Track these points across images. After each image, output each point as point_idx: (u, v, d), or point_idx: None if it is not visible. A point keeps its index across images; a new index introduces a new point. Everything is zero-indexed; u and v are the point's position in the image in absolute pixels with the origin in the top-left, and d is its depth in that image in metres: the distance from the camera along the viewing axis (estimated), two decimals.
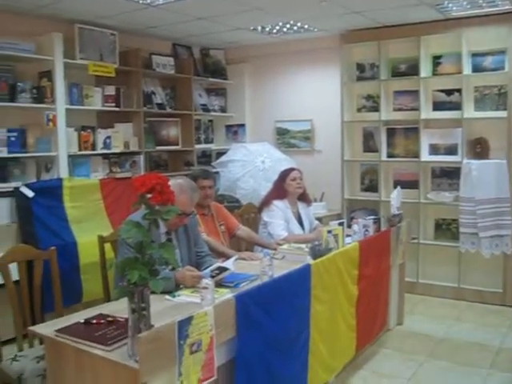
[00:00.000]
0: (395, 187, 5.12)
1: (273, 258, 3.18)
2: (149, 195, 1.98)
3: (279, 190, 4.79)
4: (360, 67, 6.50)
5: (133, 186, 1.99)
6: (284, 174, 4.83)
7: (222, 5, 5.06)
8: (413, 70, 6.06)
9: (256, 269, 3.29)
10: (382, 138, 6.30)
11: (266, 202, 4.77)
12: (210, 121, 7.49)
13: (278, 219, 4.62)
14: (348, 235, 4.19)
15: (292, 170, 4.86)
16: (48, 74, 5.24)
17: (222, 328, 2.47)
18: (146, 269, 1.96)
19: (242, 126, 7.46)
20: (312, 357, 3.31)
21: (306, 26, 6.11)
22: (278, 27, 6.18)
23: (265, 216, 4.71)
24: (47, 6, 4.95)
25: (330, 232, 3.72)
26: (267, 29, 6.25)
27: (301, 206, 4.87)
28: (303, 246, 4.05)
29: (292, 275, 3.16)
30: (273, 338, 2.91)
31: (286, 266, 3.40)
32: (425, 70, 5.98)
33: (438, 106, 6.03)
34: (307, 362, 3.27)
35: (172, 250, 2.04)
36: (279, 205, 4.68)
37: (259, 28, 6.20)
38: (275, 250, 4.07)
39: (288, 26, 6.10)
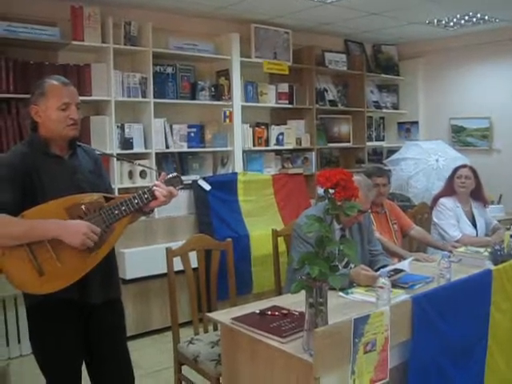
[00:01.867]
0: None
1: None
2: (332, 190, 1.97)
3: (448, 187, 4.57)
4: None
5: (317, 180, 1.98)
6: (454, 171, 4.59)
7: None
8: None
9: (429, 271, 3.15)
10: None
11: (433, 201, 4.59)
12: (382, 118, 7.35)
13: (449, 219, 4.39)
14: None
15: (462, 166, 4.58)
16: (225, 73, 5.48)
17: (396, 329, 2.38)
18: (326, 264, 1.95)
19: (415, 123, 7.23)
20: (488, 369, 3.09)
21: (486, 17, 5.77)
22: (454, 20, 5.90)
23: (434, 216, 4.53)
24: (226, 8, 5.16)
25: None
26: (443, 22, 5.99)
27: (474, 204, 4.57)
28: (481, 249, 3.82)
29: (471, 280, 2.97)
30: (448, 344, 2.77)
31: (463, 270, 3.23)
32: None
33: None
34: (483, 374, 3.06)
35: (353, 246, 2.00)
36: (447, 203, 4.45)
37: (435, 21, 5.96)
38: (450, 252, 3.88)
39: (466, 18, 5.80)
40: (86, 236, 2.22)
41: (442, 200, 4.48)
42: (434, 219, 4.50)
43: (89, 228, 2.24)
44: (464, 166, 4.58)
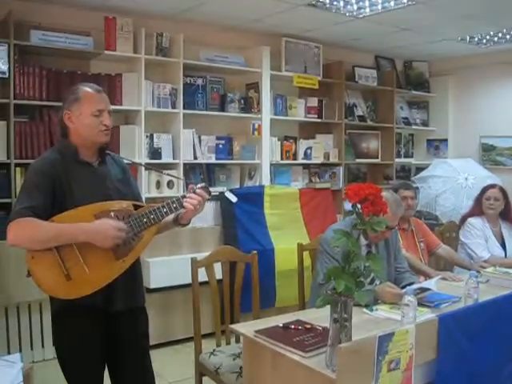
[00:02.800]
0: None
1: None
2: (360, 205, 1.95)
3: (476, 206, 4.53)
4: None
5: (346, 194, 1.97)
6: (482, 191, 4.54)
7: (430, 14, 4.89)
8: None
9: (456, 290, 3.11)
10: None
11: (462, 221, 4.56)
12: (411, 134, 7.29)
13: (477, 238, 4.35)
14: None
15: (491, 186, 4.52)
16: (255, 86, 5.50)
17: (421, 348, 2.34)
18: (353, 279, 1.93)
19: (445, 140, 7.14)
20: None
21: None
22: (488, 37, 5.83)
23: (461, 235, 4.48)
24: (257, 21, 5.19)
25: None
26: (475, 39, 5.92)
27: (504, 225, 4.51)
28: (510, 270, 3.75)
29: (499, 301, 2.92)
30: (473, 366, 2.71)
31: (491, 291, 3.17)
32: None
33: None
34: None
35: (380, 262, 1.98)
36: (475, 223, 4.41)
37: (467, 38, 5.90)
38: (478, 272, 3.81)
39: (500, 35, 5.73)
40: (114, 237, 2.26)
41: (471, 220, 4.44)
42: (462, 239, 4.46)
43: (116, 227, 2.27)
44: (493, 187, 4.52)
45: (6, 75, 4.13)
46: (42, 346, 4.34)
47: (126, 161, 2.74)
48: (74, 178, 2.35)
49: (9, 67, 4.13)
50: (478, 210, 4.49)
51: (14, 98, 4.19)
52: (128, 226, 2.33)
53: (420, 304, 2.90)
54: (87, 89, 2.41)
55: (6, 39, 4.12)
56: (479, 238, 4.35)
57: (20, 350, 4.13)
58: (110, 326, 2.46)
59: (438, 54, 6.75)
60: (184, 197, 2.43)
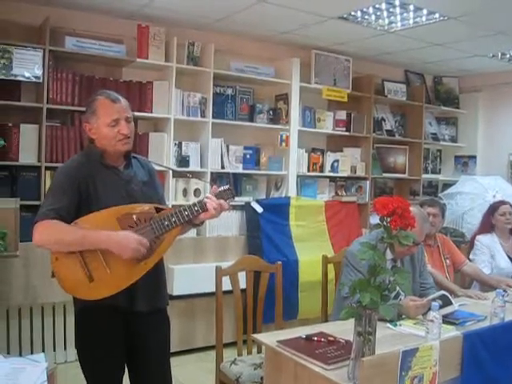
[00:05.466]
0: None
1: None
2: (389, 218, 1.94)
3: (486, 224, 4.58)
4: None
5: (374, 207, 1.96)
6: (493, 208, 4.58)
7: (462, 29, 4.86)
8: None
9: (481, 309, 3.09)
10: None
11: (472, 239, 4.62)
12: (439, 150, 7.22)
13: (481, 255, 4.41)
14: None
15: (502, 203, 4.60)
16: (284, 97, 5.51)
17: (444, 365, 2.32)
18: (378, 293, 1.92)
19: (473, 157, 7.05)
20: None
21: None
22: None
23: (471, 254, 4.52)
24: (288, 33, 5.21)
25: None
26: (507, 55, 5.87)
27: None
28: None
29: None
30: None
31: None
32: None
33: None
34: None
35: (406, 276, 1.97)
36: (483, 240, 4.47)
37: (499, 55, 5.85)
38: (505, 291, 3.75)
39: None
40: (134, 250, 2.27)
41: (479, 237, 4.52)
42: (470, 256, 4.51)
43: (138, 242, 2.28)
44: (504, 203, 4.61)
45: (41, 80, 4.21)
46: (65, 347, 4.39)
47: (153, 164, 2.77)
48: (99, 181, 2.40)
49: (43, 72, 4.20)
50: (487, 227, 4.56)
51: (47, 103, 4.27)
52: (149, 229, 2.36)
53: (445, 321, 2.87)
54: (102, 99, 2.43)
55: (42, 45, 4.21)
56: (483, 254, 4.41)
57: (43, 351, 4.18)
58: (132, 326, 2.48)
59: (469, 70, 6.69)
60: (204, 199, 2.46)
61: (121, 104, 2.45)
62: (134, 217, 2.36)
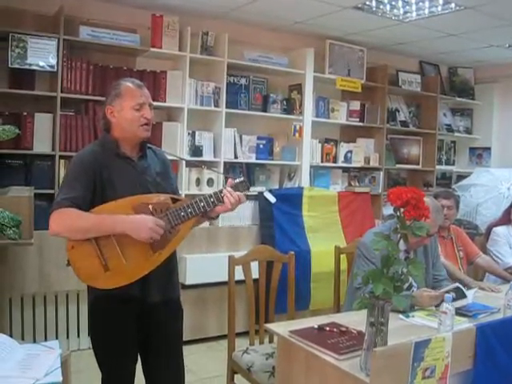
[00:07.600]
0: None
1: None
2: (402, 209, 1.93)
3: (504, 215, 4.59)
4: None
5: (388, 197, 1.96)
6: None
7: (478, 19, 4.81)
8: None
9: (494, 301, 3.07)
10: None
11: (488, 230, 4.62)
12: (453, 142, 7.17)
13: (503, 246, 4.38)
14: None
15: None
16: (298, 87, 5.49)
17: (457, 357, 2.31)
18: (391, 283, 1.91)
19: (488, 149, 7.01)
20: None
21: None
22: None
23: (488, 244, 4.51)
24: (302, 23, 5.18)
25: None
26: None
27: None
28: None
29: None
30: (509, 380, 2.66)
31: None
32: None
33: None
34: None
35: (421, 267, 1.96)
36: (499, 231, 4.45)
37: None
38: None
39: None
40: (152, 230, 2.27)
41: (495, 229, 4.51)
42: (488, 246, 4.49)
43: (154, 222, 2.29)
44: None
45: (55, 69, 4.23)
46: (78, 335, 4.42)
47: (167, 155, 2.77)
48: (113, 171, 2.40)
49: (57, 61, 4.22)
50: (505, 218, 4.55)
51: (61, 92, 4.28)
52: (165, 219, 2.36)
53: (458, 313, 2.86)
54: (128, 84, 2.46)
55: (56, 34, 4.22)
56: (505, 245, 4.38)
57: (56, 338, 4.21)
58: (145, 316, 2.49)
59: (485, 61, 6.62)
60: (221, 191, 2.46)
61: (146, 91, 2.49)
62: (150, 207, 2.37)
